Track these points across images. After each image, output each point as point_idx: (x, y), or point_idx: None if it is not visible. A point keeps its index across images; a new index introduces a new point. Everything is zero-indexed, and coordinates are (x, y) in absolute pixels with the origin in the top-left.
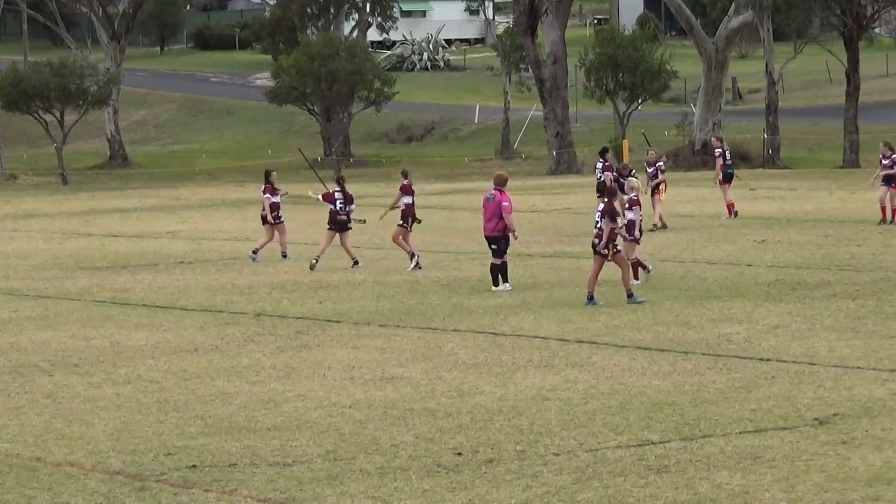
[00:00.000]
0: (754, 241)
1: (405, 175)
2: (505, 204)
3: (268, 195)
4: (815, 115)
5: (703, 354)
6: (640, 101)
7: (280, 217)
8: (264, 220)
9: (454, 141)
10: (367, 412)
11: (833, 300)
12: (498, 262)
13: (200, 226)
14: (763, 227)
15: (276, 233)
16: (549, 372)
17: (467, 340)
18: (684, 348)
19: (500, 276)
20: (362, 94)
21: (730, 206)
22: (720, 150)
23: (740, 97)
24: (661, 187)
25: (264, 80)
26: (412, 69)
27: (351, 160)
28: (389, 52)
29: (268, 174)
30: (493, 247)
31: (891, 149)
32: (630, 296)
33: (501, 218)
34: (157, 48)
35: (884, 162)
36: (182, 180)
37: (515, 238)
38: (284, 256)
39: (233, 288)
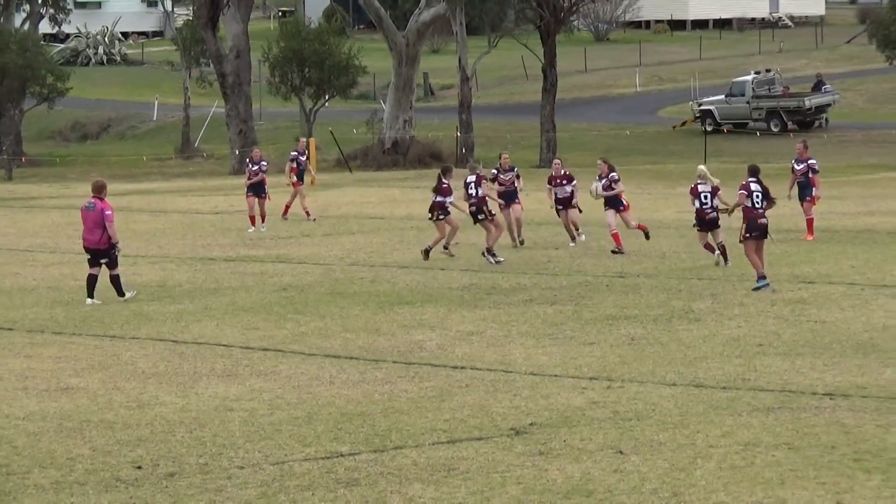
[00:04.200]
0: (446, 245)
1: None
2: (108, 213)
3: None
4: (510, 113)
5: (394, 362)
6: (327, 97)
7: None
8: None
9: (132, 139)
10: (42, 424)
11: (529, 305)
12: (116, 272)
13: None
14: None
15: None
16: (232, 381)
17: (147, 349)
18: (374, 356)
19: (102, 286)
20: (34, 89)
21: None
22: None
23: (432, 93)
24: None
25: None
26: (87, 63)
27: (23, 159)
28: (63, 46)
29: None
30: (104, 260)
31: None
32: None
33: (105, 228)
34: None
35: (796, 168)
36: None
37: (118, 251)
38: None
39: None
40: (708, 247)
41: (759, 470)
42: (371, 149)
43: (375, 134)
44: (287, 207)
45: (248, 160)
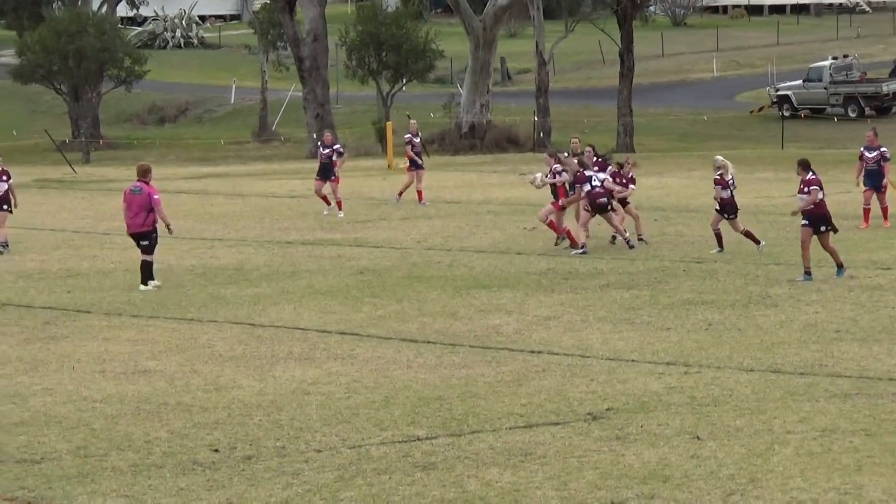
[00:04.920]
0: (525, 228)
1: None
2: (156, 197)
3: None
4: (587, 98)
5: (471, 347)
6: (404, 81)
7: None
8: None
9: (209, 122)
10: (119, 407)
11: (607, 290)
12: (150, 258)
13: None
14: (534, 213)
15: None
16: (309, 365)
17: (224, 332)
18: (451, 340)
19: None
20: (112, 72)
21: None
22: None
23: (509, 78)
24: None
25: (8, 57)
26: (164, 47)
27: (100, 142)
28: (141, 29)
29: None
30: (145, 243)
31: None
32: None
33: (150, 211)
34: None
35: (868, 155)
36: None
37: (171, 232)
38: None
39: None
40: (718, 235)
41: (837, 456)
42: (448, 133)
43: (452, 118)
44: (420, 193)
45: (319, 144)
